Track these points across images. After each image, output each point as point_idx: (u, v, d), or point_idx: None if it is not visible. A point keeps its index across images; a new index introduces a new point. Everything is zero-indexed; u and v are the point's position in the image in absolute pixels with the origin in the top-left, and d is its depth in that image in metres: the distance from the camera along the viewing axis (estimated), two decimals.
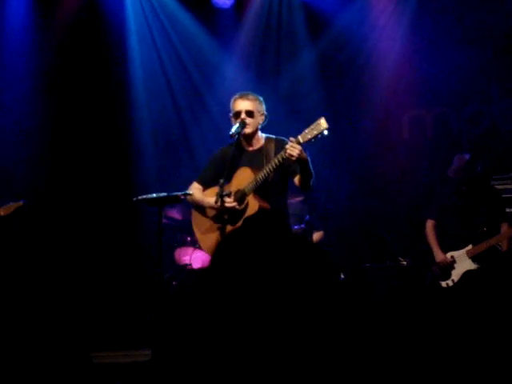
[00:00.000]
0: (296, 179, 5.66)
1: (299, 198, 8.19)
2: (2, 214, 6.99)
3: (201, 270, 8.10)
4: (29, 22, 8.96)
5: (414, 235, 8.27)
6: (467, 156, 7.29)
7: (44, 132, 8.83)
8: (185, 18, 9.44)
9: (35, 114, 8.82)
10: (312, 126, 5.25)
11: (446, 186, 7.48)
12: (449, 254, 7.20)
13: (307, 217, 8.18)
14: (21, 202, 7.07)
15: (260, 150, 5.84)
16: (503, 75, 8.64)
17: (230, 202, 5.65)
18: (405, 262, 8.11)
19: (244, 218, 5.65)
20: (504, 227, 7.11)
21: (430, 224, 7.44)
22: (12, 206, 7.02)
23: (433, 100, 9.03)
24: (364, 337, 1.88)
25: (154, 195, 6.29)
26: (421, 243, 7.70)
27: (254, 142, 5.88)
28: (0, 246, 7.74)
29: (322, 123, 5.20)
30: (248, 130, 5.79)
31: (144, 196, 6.36)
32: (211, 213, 5.91)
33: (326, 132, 5.20)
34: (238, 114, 5.79)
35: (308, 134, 5.25)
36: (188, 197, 6.06)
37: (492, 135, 8.77)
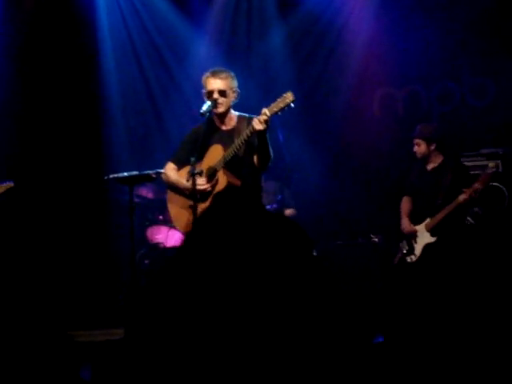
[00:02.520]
0: (255, 157, 5.67)
1: (271, 178, 8.18)
2: None
3: (174, 250, 8.10)
4: None
5: (386, 212, 8.33)
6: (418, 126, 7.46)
7: (13, 113, 8.73)
8: None
9: (2, 95, 8.72)
10: (279, 100, 5.34)
11: (416, 163, 7.56)
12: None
13: (279, 196, 8.19)
14: (11, 183, 6.99)
15: (233, 128, 5.83)
16: (473, 52, 8.67)
17: (202, 185, 5.65)
18: (376, 239, 8.17)
19: (213, 194, 5.66)
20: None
21: (405, 199, 7.56)
22: (1, 187, 6.94)
23: (403, 78, 9.07)
24: (338, 315, 1.89)
25: (126, 174, 6.27)
26: (393, 220, 7.76)
27: (227, 120, 5.86)
28: None
29: (289, 96, 5.31)
30: (221, 110, 5.77)
31: (115, 175, 6.34)
32: (184, 192, 5.89)
33: (292, 104, 5.30)
34: (210, 94, 5.75)
35: (275, 106, 5.35)
36: (163, 176, 6.04)
37: (462, 112, 8.83)
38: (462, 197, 7.05)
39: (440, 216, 7.12)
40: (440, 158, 7.36)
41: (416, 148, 7.36)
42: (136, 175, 6.24)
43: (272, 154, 5.62)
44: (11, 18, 8.84)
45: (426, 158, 7.36)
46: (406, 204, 7.54)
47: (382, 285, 7.51)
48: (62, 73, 8.91)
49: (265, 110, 5.34)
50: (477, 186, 6.97)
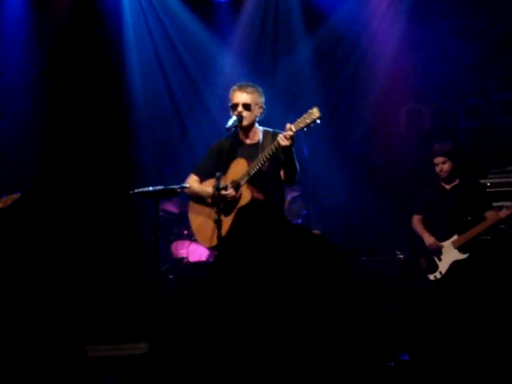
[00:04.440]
0: (282, 172, 5.68)
1: (296, 193, 8.17)
2: (1, 206, 6.99)
3: (197, 265, 8.09)
4: (25, 16, 8.93)
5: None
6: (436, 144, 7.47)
7: (41, 125, 8.80)
8: (182, 11, 9.42)
9: (31, 107, 8.80)
10: (305, 115, 5.31)
11: (429, 182, 7.54)
12: None
13: (305, 212, 8.16)
14: (18, 194, 7.05)
15: (257, 143, 5.83)
16: (501, 68, 8.63)
17: (228, 194, 5.65)
18: (402, 256, 8.11)
19: (237, 208, 5.65)
20: (489, 214, 7.13)
21: (416, 218, 7.54)
22: (9, 198, 7.01)
23: (430, 94, 9.02)
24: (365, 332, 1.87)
25: (151, 188, 6.27)
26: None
27: (251, 134, 5.87)
28: None
29: (315, 112, 5.28)
30: (244, 123, 5.78)
31: (140, 189, 6.35)
32: (207, 204, 5.89)
33: (318, 121, 5.25)
34: (235, 107, 5.78)
35: (300, 122, 5.33)
36: (186, 189, 6.04)
37: (490, 129, 8.77)
38: (503, 212, 7.02)
39: (473, 233, 7.07)
40: (457, 178, 7.37)
41: (441, 167, 7.30)
42: (161, 190, 6.23)
43: (299, 167, 5.61)
44: (40, 35, 8.92)
45: (446, 178, 7.33)
46: (420, 222, 7.50)
47: (406, 302, 7.45)
48: (89, 88, 8.98)
49: (290, 126, 5.32)
50: None
